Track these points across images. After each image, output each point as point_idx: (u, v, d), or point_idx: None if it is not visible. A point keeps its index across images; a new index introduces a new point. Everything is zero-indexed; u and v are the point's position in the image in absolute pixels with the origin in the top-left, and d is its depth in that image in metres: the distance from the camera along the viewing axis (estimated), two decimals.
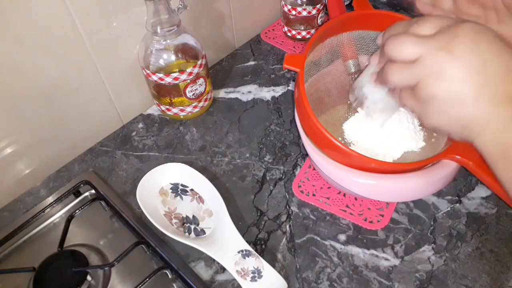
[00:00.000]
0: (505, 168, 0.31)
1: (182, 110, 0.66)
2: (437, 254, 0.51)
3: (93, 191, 0.58)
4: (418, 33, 0.32)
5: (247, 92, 0.73)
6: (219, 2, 0.73)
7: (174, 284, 0.50)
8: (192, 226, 0.54)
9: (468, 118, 0.31)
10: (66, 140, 0.63)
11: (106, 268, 0.51)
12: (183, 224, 0.54)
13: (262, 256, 0.50)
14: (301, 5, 0.75)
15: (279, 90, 0.73)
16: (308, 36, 0.80)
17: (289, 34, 0.81)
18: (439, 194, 0.57)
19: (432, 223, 0.54)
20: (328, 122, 0.55)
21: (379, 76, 0.38)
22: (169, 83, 0.61)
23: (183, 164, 0.57)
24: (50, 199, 0.58)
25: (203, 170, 0.61)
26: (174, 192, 0.57)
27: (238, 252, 0.50)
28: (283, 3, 0.77)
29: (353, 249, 0.52)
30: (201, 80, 0.64)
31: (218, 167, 0.62)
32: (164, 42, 0.59)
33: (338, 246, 0.53)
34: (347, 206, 0.56)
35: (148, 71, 0.61)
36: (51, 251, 0.51)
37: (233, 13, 0.77)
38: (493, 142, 0.31)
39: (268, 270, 0.48)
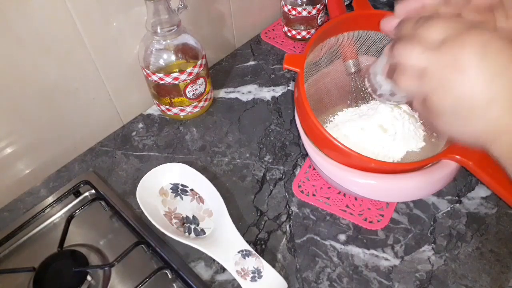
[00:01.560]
0: None
1: (182, 110, 0.66)
2: (437, 254, 0.51)
3: (93, 191, 0.58)
4: (426, 39, 0.32)
5: (247, 92, 0.73)
6: (219, 2, 0.73)
7: (174, 284, 0.50)
8: (192, 226, 0.54)
9: (480, 131, 0.31)
10: (66, 140, 0.63)
11: (106, 268, 0.51)
12: (183, 224, 0.54)
13: (262, 256, 0.50)
14: (301, 5, 0.75)
15: (279, 90, 0.73)
16: (308, 36, 0.80)
17: (289, 34, 0.81)
18: (439, 194, 0.57)
19: (432, 223, 0.54)
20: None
21: (389, 73, 0.37)
22: (169, 83, 0.61)
23: (183, 164, 0.57)
24: (50, 199, 0.58)
25: (203, 170, 0.61)
26: (174, 192, 0.57)
27: (238, 252, 0.50)
28: (283, 3, 0.77)
29: (353, 249, 0.52)
30: (201, 80, 0.64)
31: (218, 167, 0.62)
32: (164, 42, 0.59)
33: (338, 246, 0.53)
34: (347, 206, 0.56)
35: (148, 71, 0.61)
36: (51, 251, 0.51)
37: (233, 13, 0.77)
38: (510, 149, 0.30)
39: (268, 270, 0.48)
